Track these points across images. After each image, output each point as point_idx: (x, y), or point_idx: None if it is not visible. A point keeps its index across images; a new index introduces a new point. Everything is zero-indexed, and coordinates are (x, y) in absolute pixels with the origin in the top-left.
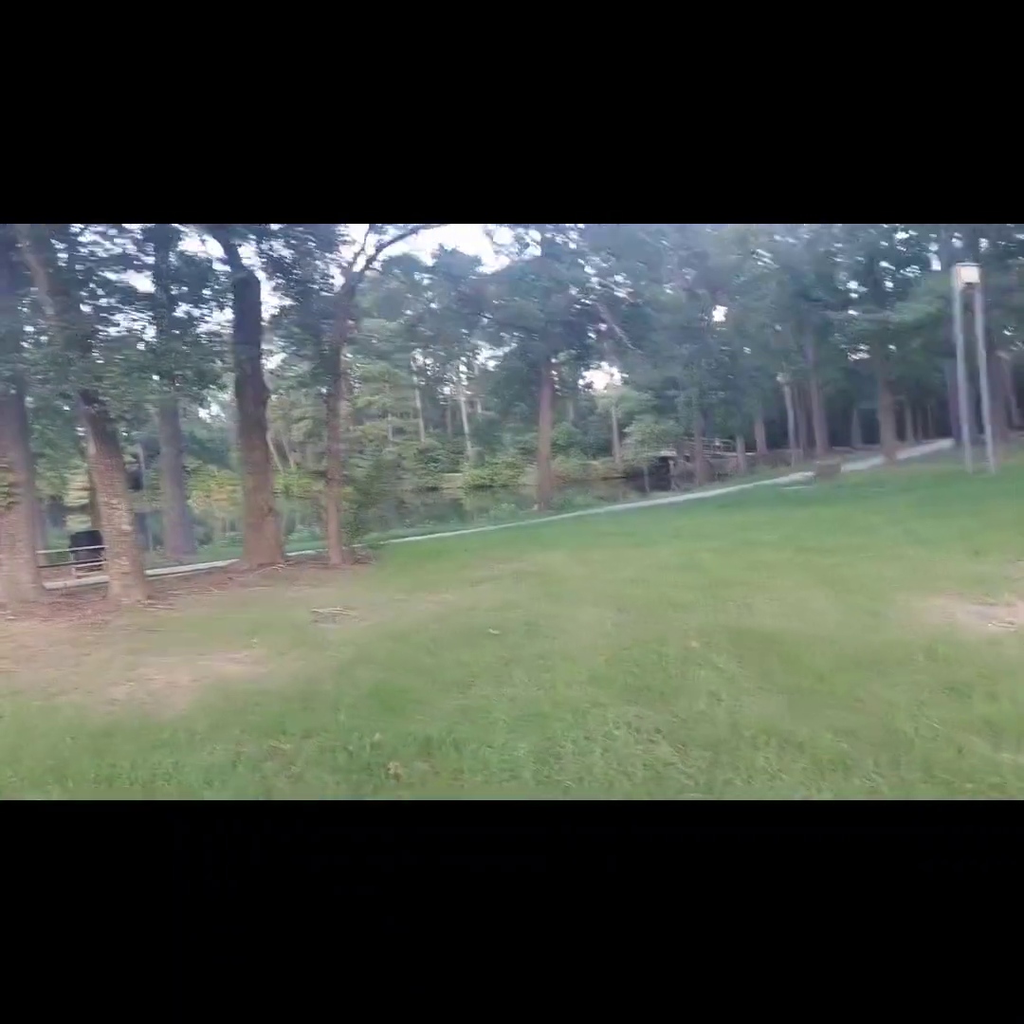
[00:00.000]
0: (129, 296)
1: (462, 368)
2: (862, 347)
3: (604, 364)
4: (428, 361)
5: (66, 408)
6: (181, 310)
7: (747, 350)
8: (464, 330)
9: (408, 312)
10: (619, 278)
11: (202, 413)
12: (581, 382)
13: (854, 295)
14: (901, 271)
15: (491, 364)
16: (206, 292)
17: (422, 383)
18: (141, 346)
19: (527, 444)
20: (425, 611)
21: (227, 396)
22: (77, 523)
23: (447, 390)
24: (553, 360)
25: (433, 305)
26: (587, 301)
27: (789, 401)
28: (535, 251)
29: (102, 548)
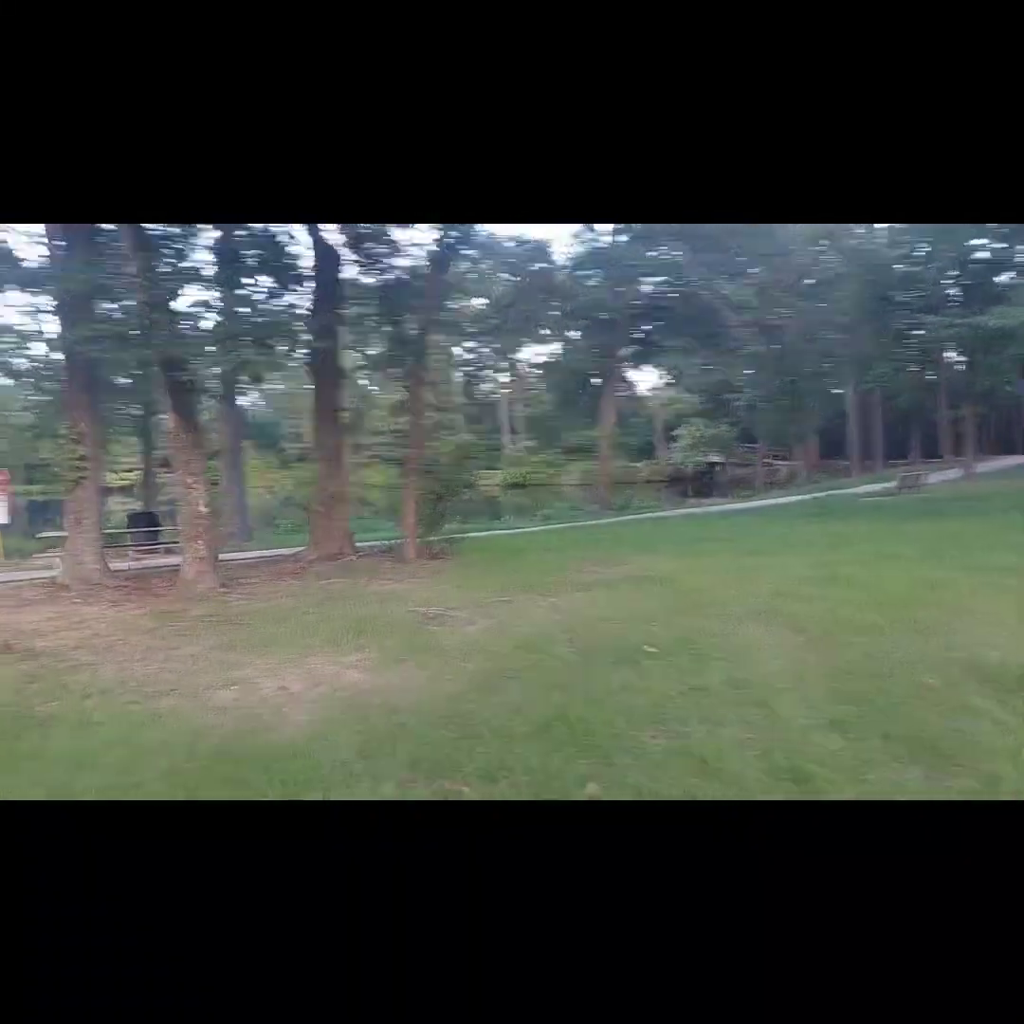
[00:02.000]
0: (214, 261)
1: (504, 362)
2: (949, 354)
3: (652, 364)
4: (470, 355)
5: (125, 381)
6: (262, 282)
7: (816, 354)
8: (530, 319)
9: (475, 301)
10: (696, 272)
11: (240, 400)
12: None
13: (946, 298)
14: (993, 276)
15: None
16: (287, 264)
17: (462, 378)
18: (231, 311)
19: (575, 442)
20: (542, 617)
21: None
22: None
23: (485, 386)
24: (619, 354)
25: (501, 291)
26: (664, 294)
27: (851, 409)
28: (609, 238)
29: (159, 530)
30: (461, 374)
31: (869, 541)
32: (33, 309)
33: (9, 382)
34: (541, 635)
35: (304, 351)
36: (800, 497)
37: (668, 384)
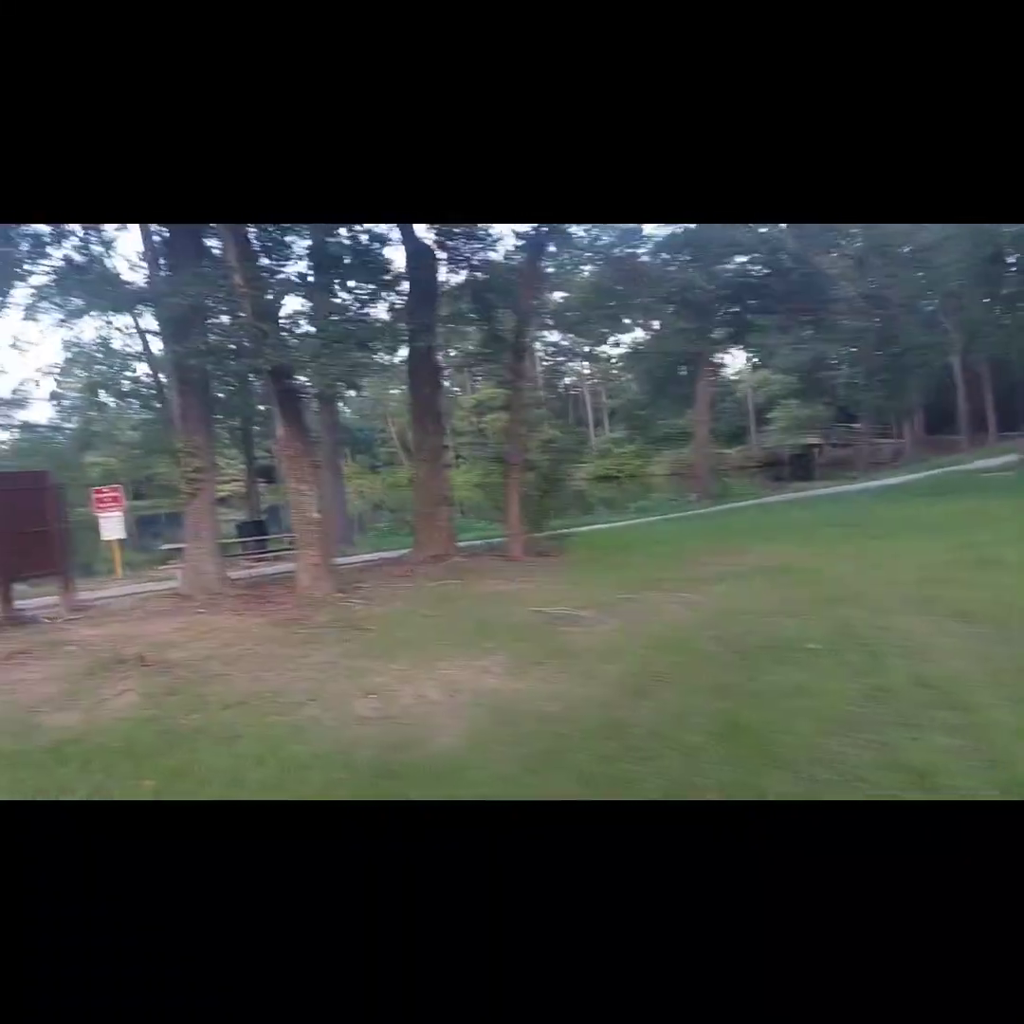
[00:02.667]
0: (314, 266)
1: (586, 354)
2: None
3: (745, 345)
4: (552, 348)
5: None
6: (360, 285)
7: (921, 324)
8: (616, 308)
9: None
10: (791, 244)
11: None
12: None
13: None
14: None
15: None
16: (382, 266)
17: (543, 371)
18: (333, 319)
19: (663, 431)
20: (677, 614)
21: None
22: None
23: (568, 380)
24: (712, 336)
25: (583, 280)
26: (758, 271)
27: (960, 380)
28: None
29: (267, 538)
30: (543, 367)
31: (1007, 520)
32: (135, 330)
33: (113, 402)
34: (681, 633)
35: (403, 353)
36: (911, 476)
37: (757, 366)
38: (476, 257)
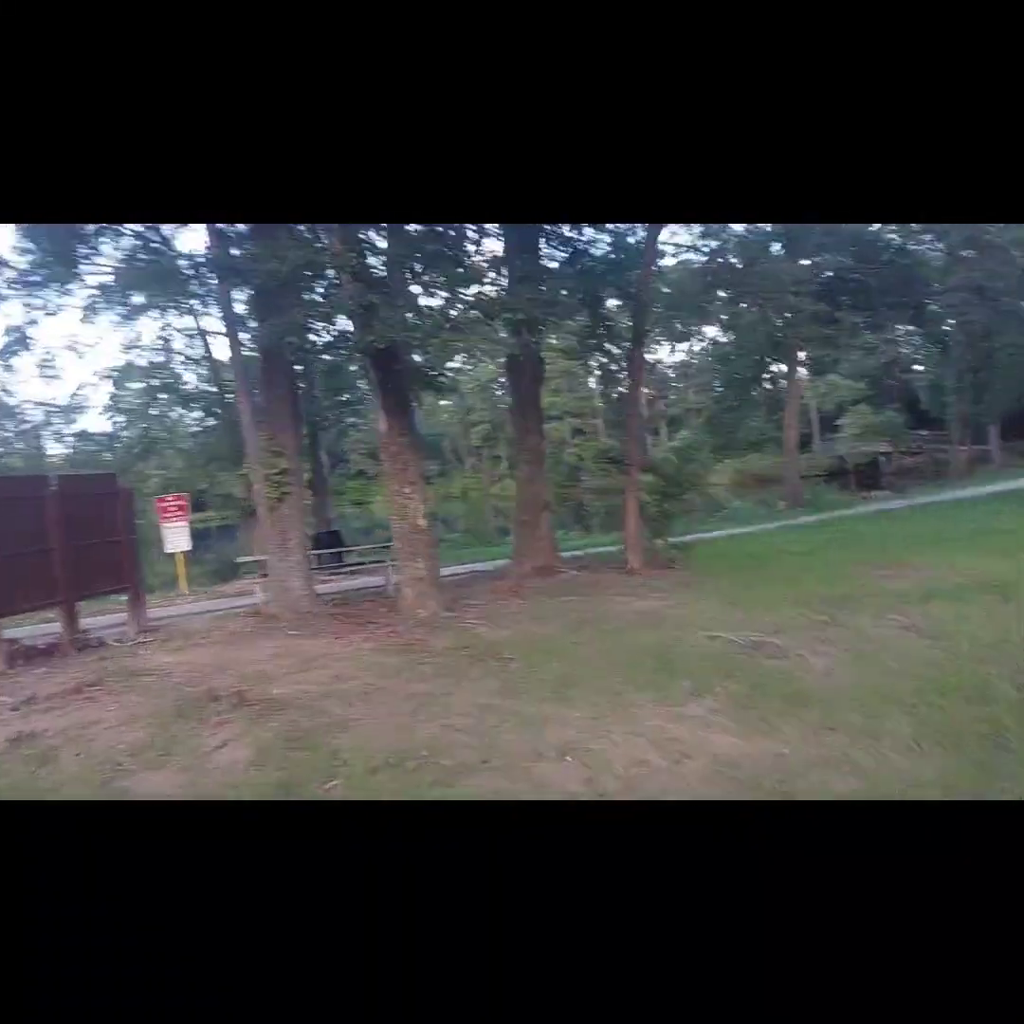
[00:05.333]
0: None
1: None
2: None
3: (834, 346)
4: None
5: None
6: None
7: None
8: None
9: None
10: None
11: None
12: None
13: None
14: None
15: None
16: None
17: (601, 378)
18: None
19: (726, 439)
20: (904, 642)
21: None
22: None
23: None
24: (800, 337)
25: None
26: (846, 266)
27: None
28: None
29: (343, 551)
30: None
31: None
32: (196, 332)
33: (174, 408)
34: (943, 671)
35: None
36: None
37: (823, 370)
38: (587, 252)
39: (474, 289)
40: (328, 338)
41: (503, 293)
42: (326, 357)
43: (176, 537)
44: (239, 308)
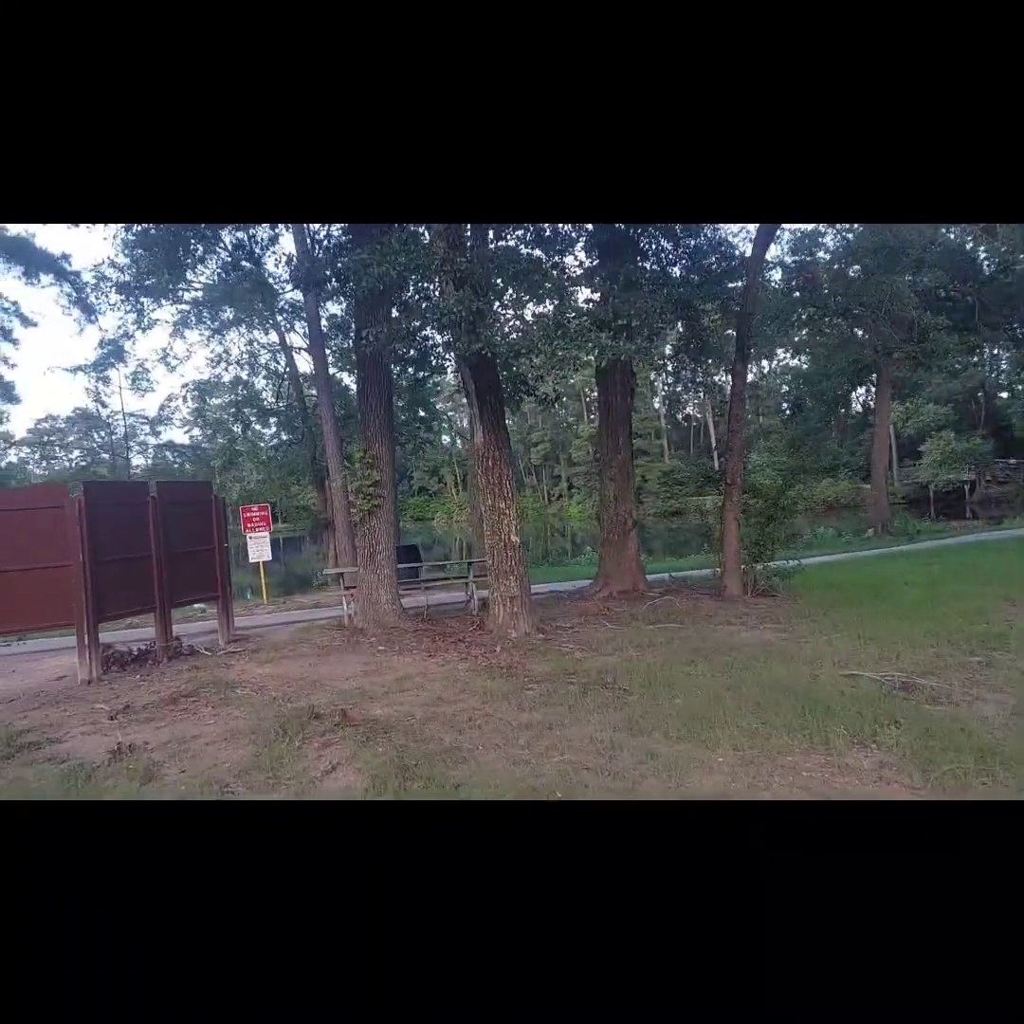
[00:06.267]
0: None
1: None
2: None
3: (931, 365)
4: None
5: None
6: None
7: None
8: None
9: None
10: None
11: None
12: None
13: None
14: None
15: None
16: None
17: (666, 399)
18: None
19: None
20: None
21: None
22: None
23: (690, 409)
24: (893, 356)
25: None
26: (944, 281)
27: None
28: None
29: (419, 566)
30: (663, 395)
31: None
32: (279, 347)
33: (255, 421)
34: None
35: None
36: None
37: (901, 397)
38: (685, 240)
39: (583, 296)
40: (423, 348)
41: (602, 301)
42: (407, 372)
43: (259, 547)
44: (325, 324)
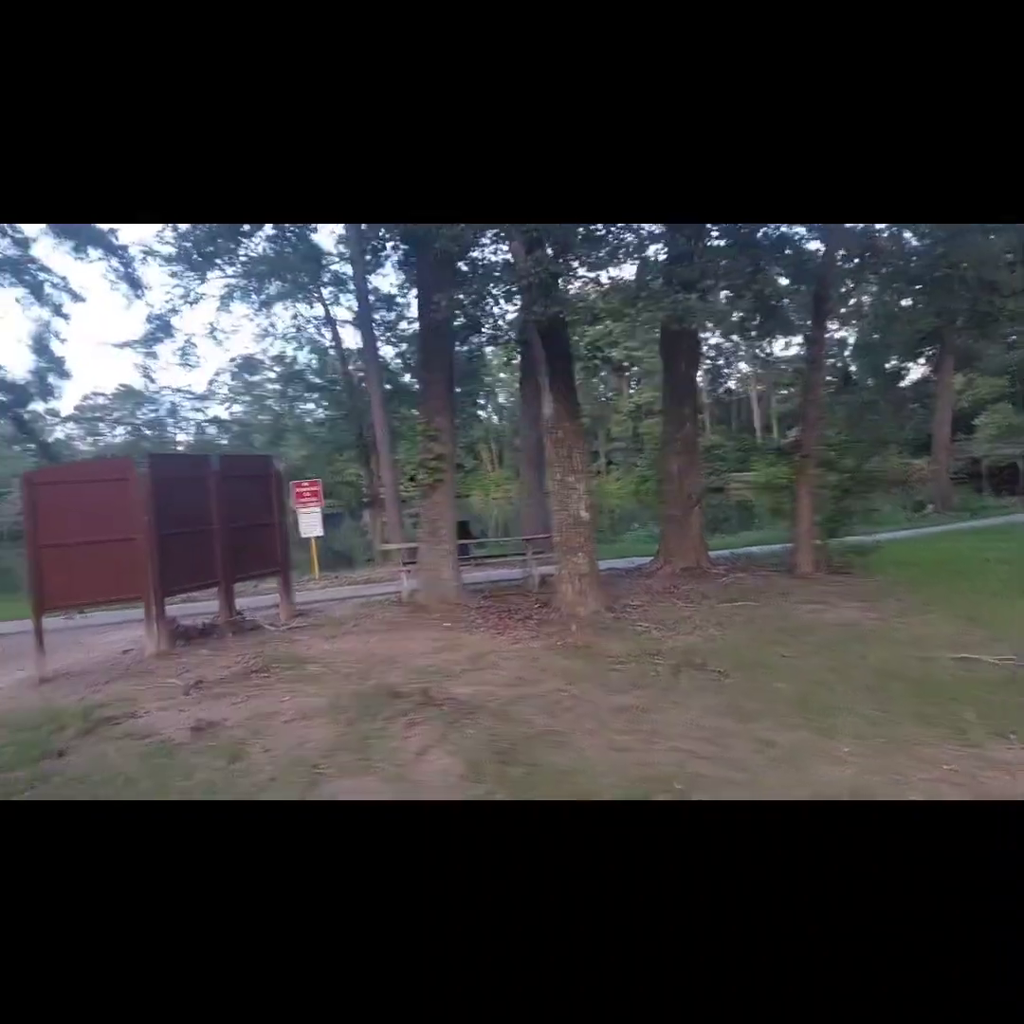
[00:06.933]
0: None
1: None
2: None
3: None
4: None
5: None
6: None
7: None
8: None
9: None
10: None
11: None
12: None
13: None
14: None
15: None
16: None
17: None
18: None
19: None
20: None
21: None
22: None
23: (732, 383)
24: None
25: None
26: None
27: None
28: None
29: (471, 542)
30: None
31: None
32: (325, 320)
33: (303, 395)
34: None
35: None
36: None
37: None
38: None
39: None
40: (490, 315)
41: (677, 261)
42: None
43: (310, 523)
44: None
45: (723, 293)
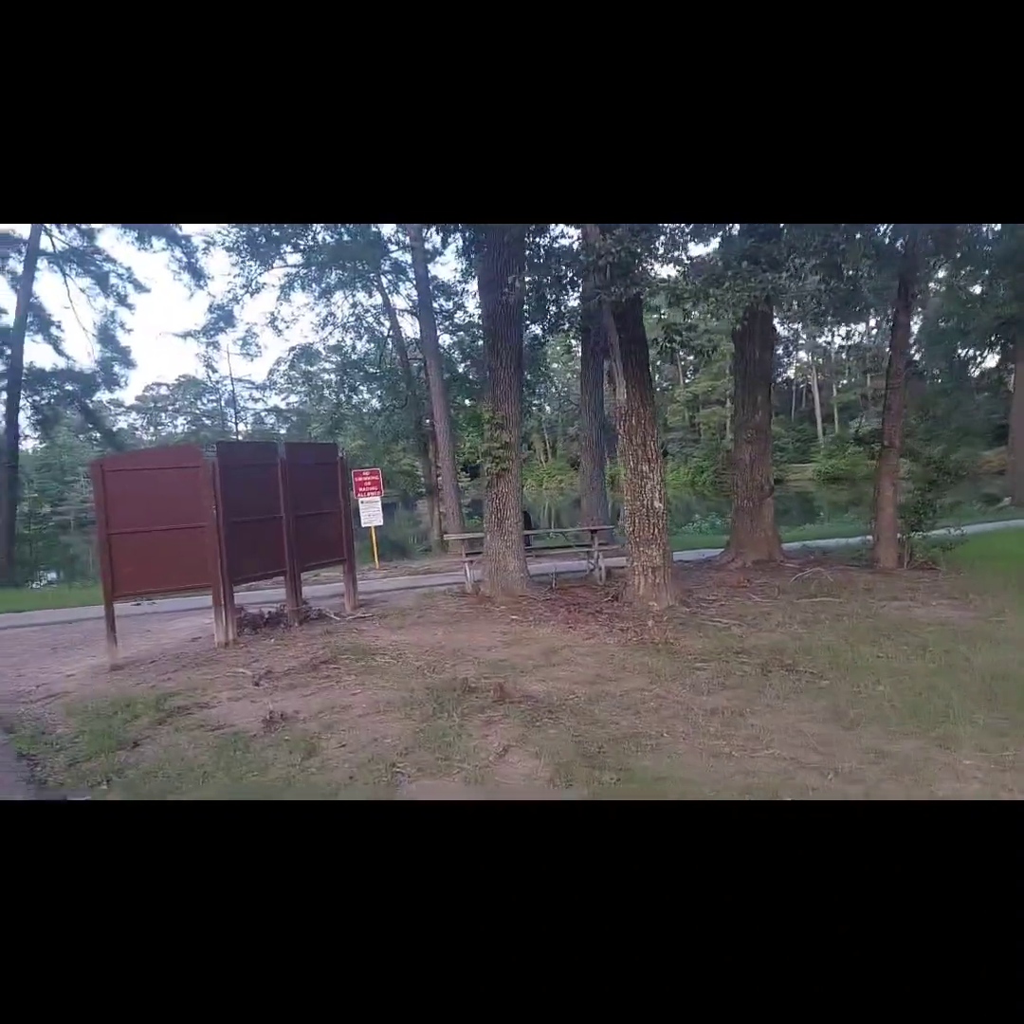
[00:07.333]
0: None
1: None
2: None
3: None
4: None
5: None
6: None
7: None
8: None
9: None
10: None
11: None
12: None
13: None
14: None
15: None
16: None
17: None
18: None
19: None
20: None
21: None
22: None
23: (790, 373)
24: None
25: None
26: None
27: None
28: None
29: (531, 533)
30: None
31: None
32: (384, 309)
33: (361, 389)
34: None
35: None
36: None
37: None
38: None
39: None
40: (562, 298)
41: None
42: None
43: (370, 511)
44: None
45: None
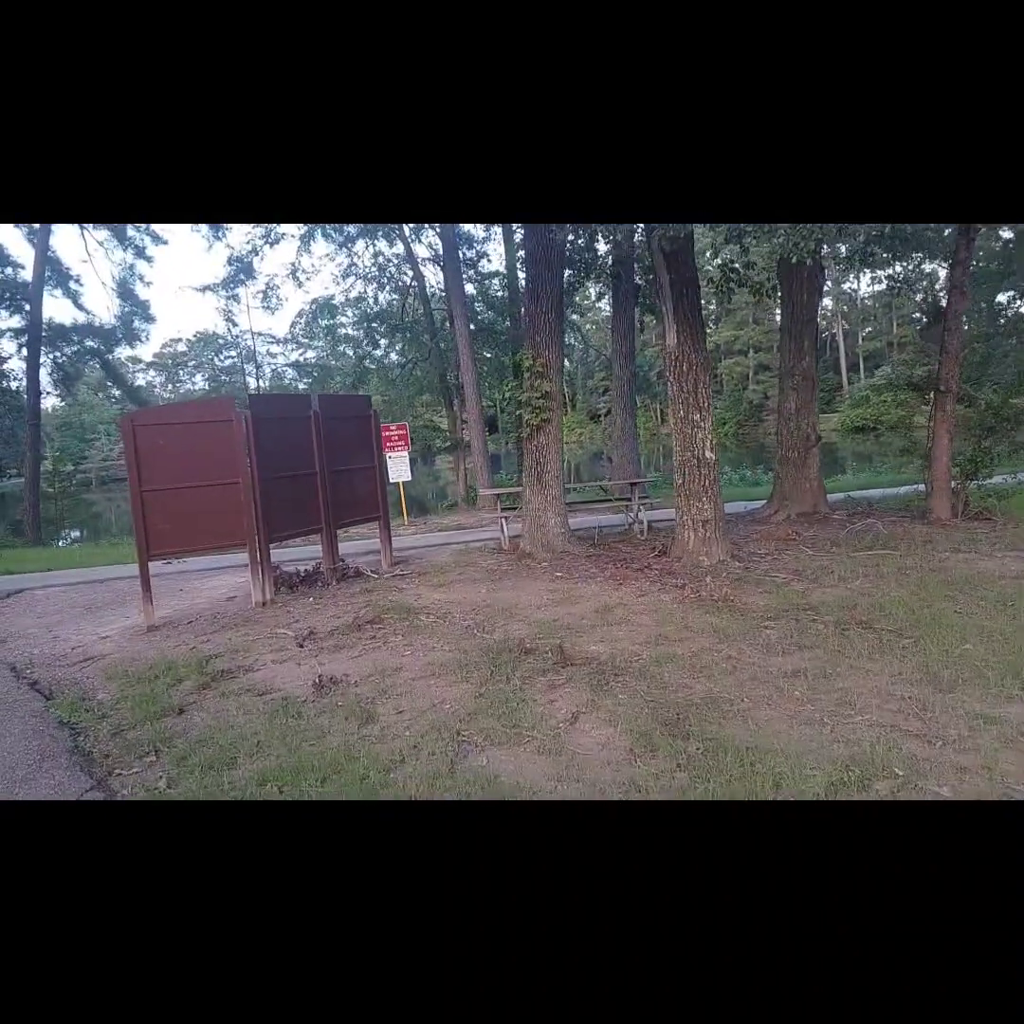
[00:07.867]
0: None
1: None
2: None
3: None
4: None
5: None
6: None
7: None
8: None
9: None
10: None
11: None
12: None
13: None
14: None
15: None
16: None
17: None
18: None
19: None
20: None
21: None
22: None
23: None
24: None
25: None
26: None
27: None
28: None
29: (572, 486)
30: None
31: None
32: (403, 258)
33: (384, 341)
34: None
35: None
36: None
37: None
38: None
39: None
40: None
41: None
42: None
43: (399, 467)
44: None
45: None
